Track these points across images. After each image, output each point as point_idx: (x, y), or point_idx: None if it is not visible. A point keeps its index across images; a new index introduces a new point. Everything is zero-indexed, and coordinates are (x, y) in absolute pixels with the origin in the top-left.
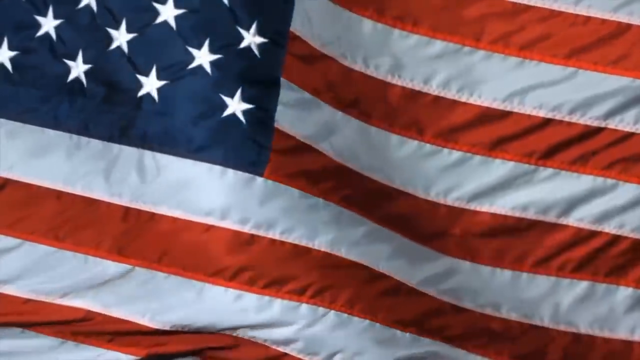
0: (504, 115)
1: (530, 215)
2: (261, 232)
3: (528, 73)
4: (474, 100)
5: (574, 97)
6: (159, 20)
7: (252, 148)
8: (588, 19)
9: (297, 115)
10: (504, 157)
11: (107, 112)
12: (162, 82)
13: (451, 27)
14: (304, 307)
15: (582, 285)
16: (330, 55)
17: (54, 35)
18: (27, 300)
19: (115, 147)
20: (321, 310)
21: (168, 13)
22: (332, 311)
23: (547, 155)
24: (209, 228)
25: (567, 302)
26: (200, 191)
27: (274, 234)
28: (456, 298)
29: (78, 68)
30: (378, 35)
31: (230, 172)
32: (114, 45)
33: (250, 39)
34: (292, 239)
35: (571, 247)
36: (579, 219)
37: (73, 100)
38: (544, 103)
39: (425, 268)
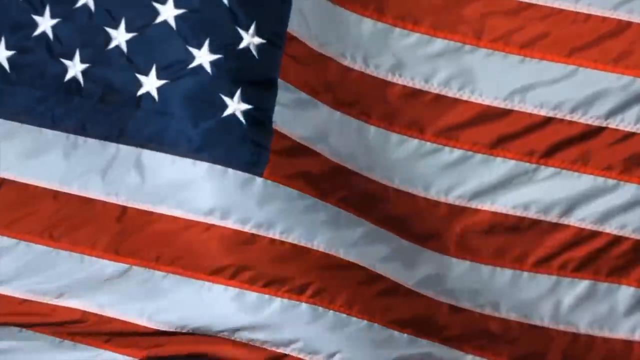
0: (505, 113)
1: (532, 214)
2: (261, 232)
3: (529, 71)
4: (475, 98)
5: (575, 95)
6: (159, 20)
7: (252, 148)
8: (588, 16)
9: (295, 115)
10: (505, 156)
11: (104, 112)
12: (162, 82)
13: (452, 26)
14: (304, 307)
15: (584, 285)
16: (329, 55)
17: (50, 35)
18: (24, 301)
19: (113, 147)
20: (320, 310)
21: (168, 13)
22: (331, 311)
23: (548, 154)
24: (210, 227)
25: (568, 301)
26: (201, 191)
27: (274, 234)
28: (454, 298)
29: (75, 67)
30: (378, 35)
31: (231, 172)
32: (112, 45)
33: (249, 39)
34: (291, 238)
35: (572, 247)
36: (581, 219)
37: (70, 100)
38: (544, 101)
39: (422, 269)
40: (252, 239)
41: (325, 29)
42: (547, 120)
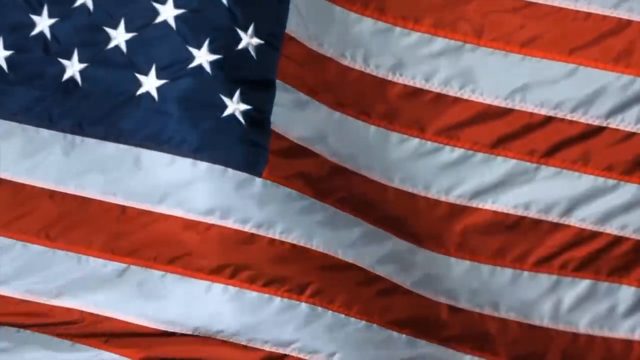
0: (506, 112)
1: (532, 214)
2: (261, 232)
3: (529, 70)
4: (476, 97)
5: (575, 94)
6: (159, 19)
7: (251, 149)
8: (588, 15)
9: (293, 116)
10: (505, 155)
11: (103, 111)
12: (162, 82)
13: (452, 25)
14: (304, 306)
15: (584, 284)
16: (328, 55)
17: (48, 35)
18: (22, 301)
19: (111, 146)
20: (320, 310)
21: (168, 13)
22: (330, 311)
23: (549, 154)
24: (210, 227)
25: (568, 301)
26: (200, 190)
27: (274, 234)
28: (454, 299)
29: (73, 67)
30: (379, 34)
31: (230, 172)
32: (112, 45)
33: (248, 40)
34: (291, 239)
35: (573, 247)
36: (581, 219)
37: (68, 100)
38: (545, 101)
39: (421, 269)
40: (251, 238)
41: (325, 29)
42: (548, 120)
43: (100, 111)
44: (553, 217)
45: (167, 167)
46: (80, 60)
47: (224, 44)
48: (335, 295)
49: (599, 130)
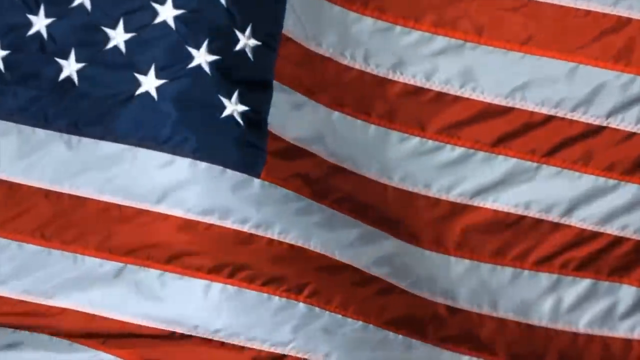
0: (507, 111)
1: (533, 213)
2: (260, 232)
3: (529, 68)
4: (477, 96)
5: (576, 93)
6: (158, 20)
7: (250, 150)
8: (588, 12)
9: (290, 117)
10: (506, 154)
11: (100, 111)
12: (161, 81)
13: (453, 23)
14: (301, 306)
15: (585, 283)
16: (327, 55)
17: (45, 34)
18: (19, 301)
19: (109, 146)
20: (317, 310)
21: (167, 13)
22: (327, 312)
23: (550, 154)
24: (209, 227)
25: (569, 300)
26: (199, 191)
27: (272, 234)
28: (452, 299)
29: (70, 67)
30: (379, 33)
31: (229, 172)
32: (111, 45)
33: (245, 41)
34: (288, 239)
35: (574, 247)
36: (582, 219)
37: (63, 99)
38: (545, 99)
39: (419, 269)
40: (250, 238)
41: (323, 29)
42: (548, 119)
43: (98, 111)
44: (554, 217)
45: (166, 167)
46: (78, 60)
47: (222, 44)
48: (333, 295)
49: (599, 130)
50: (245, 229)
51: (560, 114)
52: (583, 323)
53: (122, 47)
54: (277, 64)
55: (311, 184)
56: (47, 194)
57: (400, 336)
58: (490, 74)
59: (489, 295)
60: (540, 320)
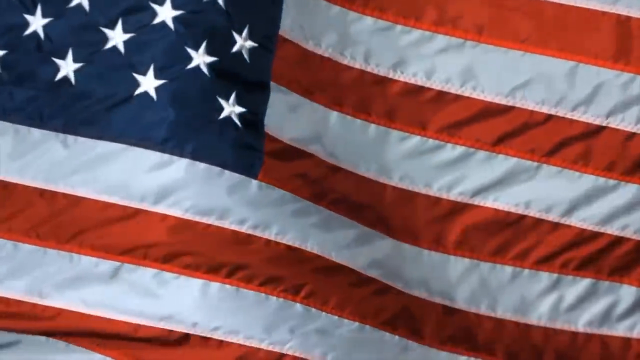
0: (507, 110)
1: (533, 212)
2: (257, 233)
3: (530, 66)
4: (477, 95)
5: (576, 92)
6: (157, 20)
7: (247, 151)
8: (588, 11)
9: (287, 118)
10: (507, 153)
11: (98, 110)
12: (160, 82)
13: (453, 22)
14: (298, 307)
15: (585, 283)
16: (326, 55)
17: (41, 34)
18: (15, 301)
19: (107, 145)
20: (314, 311)
21: (166, 14)
22: (324, 313)
23: (550, 153)
24: (208, 227)
25: (569, 299)
26: (198, 191)
27: (270, 235)
28: (450, 299)
29: (67, 67)
30: (379, 32)
31: (227, 173)
32: (109, 45)
33: (242, 43)
34: (286, 240)
35: (574, 247)
36: (582, 219)
37: (59, 99)
38: (546, 98)
39: (417, 269)
40: (248, 239)
41: (322, 29)
42: (548, 118)
43: (95, 110)
44: (554, 217)
45: (164, 168)
46: (75, 60)
47: (220, 46)
48: (329, 296)
49: (599, 129)
50: (243, 229)
51: (560, 114)
52: (582, 322)
53: (121, 48)
54: (274, 65)
55: (309, 184)
56: (43, 193)
57: (397, 337)
58: (490, 72)
59: (488, 294)
60: (539, 319)
